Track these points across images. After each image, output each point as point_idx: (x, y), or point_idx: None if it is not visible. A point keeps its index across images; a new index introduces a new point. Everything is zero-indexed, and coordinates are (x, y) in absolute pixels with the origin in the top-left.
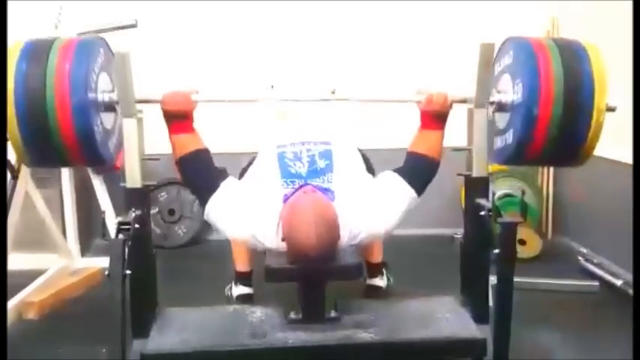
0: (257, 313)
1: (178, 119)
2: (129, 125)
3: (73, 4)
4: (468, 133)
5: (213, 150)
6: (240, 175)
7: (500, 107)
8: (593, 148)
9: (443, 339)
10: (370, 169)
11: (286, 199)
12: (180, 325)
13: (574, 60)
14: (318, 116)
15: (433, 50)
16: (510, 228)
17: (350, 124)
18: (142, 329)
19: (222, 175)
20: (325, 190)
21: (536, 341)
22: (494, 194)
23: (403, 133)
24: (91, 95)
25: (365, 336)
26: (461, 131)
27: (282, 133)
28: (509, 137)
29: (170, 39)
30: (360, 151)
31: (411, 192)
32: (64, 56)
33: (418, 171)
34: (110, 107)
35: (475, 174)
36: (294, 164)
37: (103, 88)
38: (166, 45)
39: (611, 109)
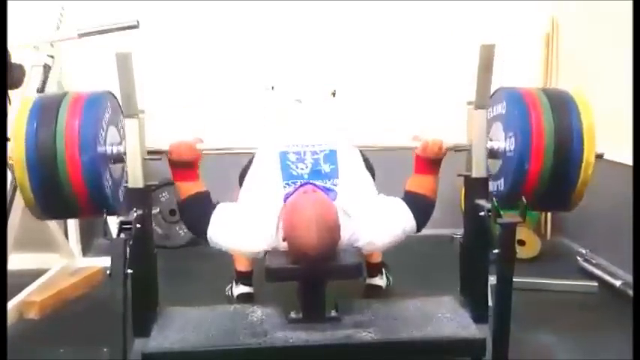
0: (257, 312)
1: (184, 168)
2: (130, 125)
3: (74, 4)
4: (468, 133)
5: (213, 150)
6: (240, 175)
7: (493, 154)
8: (581, 197)
9: (442, 339)
10: (369, 168)
11: (287, 198)
12: (181, 324)
13: (565, 115)
14: (319, 116)
15: (433, 50)
16: (510, 228)
17: (350, 123)
18: (143, 328)
19: (215, 208)
20: (327, 190)
21: (535, 341)
22: (494, 194)
23: (403, 132)
24: (100, 149)
25: (365, 335)
26: (460, 131)
27: (283, 133)
28: (502, 185)
29: (171, 39)
30: (360, 151)
31: (412, 221)
32: (74, 112)
33: (417, 207)
34: (118, 159)
35: (475, 174)
36: (297, 166)
37: (112, 141)
38: (167, 45)
39: (599, 157)
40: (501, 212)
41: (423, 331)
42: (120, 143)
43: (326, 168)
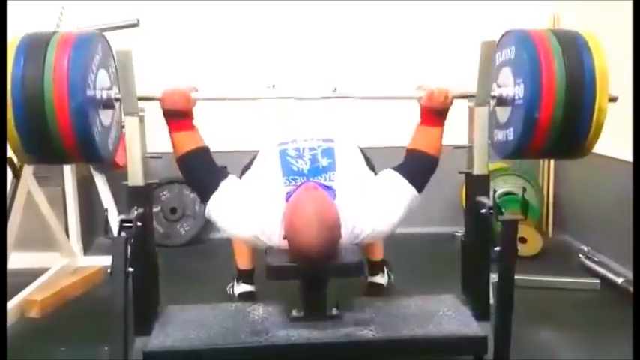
0: (259, 310)
1: (178, 117)
2: (131, 123)
3: (74, 3)
4: (469, 130)
5: (214, 148)
6: (242, 174)
7: (501, 101)
8: (594, 145)
9: (444, 336)
10: (371, 168)
11: (288, 197)
12: (182, 322)
13: (576, 58)
14: (319, 115)
15: (434, 48)
16: (511, 226)
17: (351, 122)
18: (144, 327)
19: (222, 173)
20: (327, 189)
21: (537, 339)
22: (494, 192)
23: (403, 131)
24: (89, 93)
25: (366, 333)
26: (461, 129)
27: (283, 132)
28: (510, 135)
29: (171, 38)
30: (360, 149)
31: (412, 190)
32: (63, 53)
33: (418, 169)
34: (108, 104)
35: (476, 172)
36: (296, 162)
37: (102, 85)
38: (168, 44)
39: (612, 100)
40: (502, 210)
41: (425, 328)
42: (110, 88)
43: (323, 162)
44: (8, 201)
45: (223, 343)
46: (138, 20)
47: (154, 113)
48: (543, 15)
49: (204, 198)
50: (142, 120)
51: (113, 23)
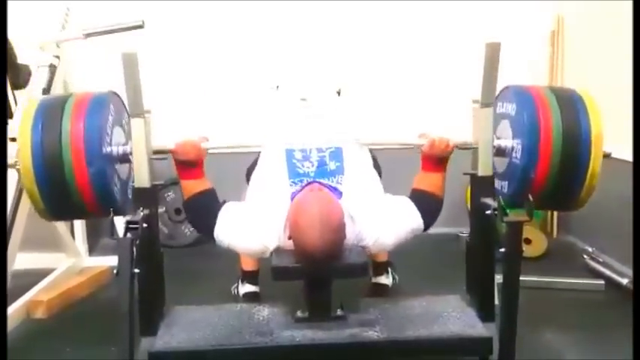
0: (264, 311)
1: (189, 167)
2: (137, 125)
3: (80, 5)
4: (474, 132)
5: (217, 149)
6: (247, 174)
7: (499, 152)
8: (585, 202)
9: (449, 337)
10: (377, 168)
11: (294, 197)
12: (188, 323)
13: (573, 121)
14: (324, 115)
15: (438, 49)
16: (516, 227)
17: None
18: (149, 328)
19: (221, 206)
20: (333, 189)
21: (542, 340)
22: (500, 192)
23: (407, 131)
24: (106, 155)
25: (371, 334)
26: (467, 130)
27: (289, 133)
28: (505, 187)
29: (176, 39)
30: (369, 150)
31: (419, 220)
32: (77, 120)
33: (424, 205)
34: (125, 159)
35: (481, 173)
36: (303, 165)
37: (117, 142)
38: (172, 45)
39: (606, 156)
40: (507, 211)
41: (430, 329)
42: (125, 143)
43: (332, 165)
44: (14, 202)
45: (228, 343)
46: (143, 22)
47: (160, 114)
48: (547, 16)
49: (209, 231)
50: (147, 121)
51: (118, 25)
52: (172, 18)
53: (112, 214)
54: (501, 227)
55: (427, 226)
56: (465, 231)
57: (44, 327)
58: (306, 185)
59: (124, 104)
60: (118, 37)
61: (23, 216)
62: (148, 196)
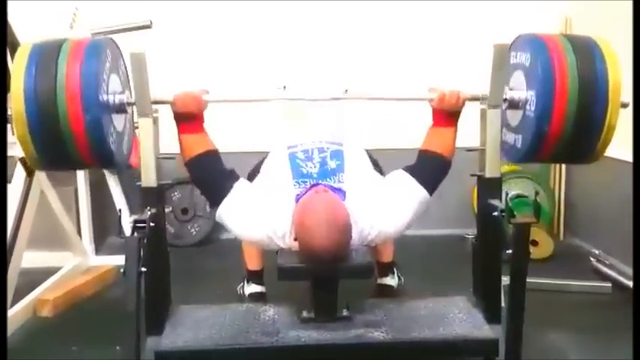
0: (269, 311)
1: (188, 120)
2: (145, 125)
3: (88, 4)
4: (481, 133)
5: (222, 149)
6: (250, 176)
7: (513, 104)
8: (602, 154)
9: (455, 339)
10: (379, 171)
11: (298, 198)
12: (194, 323)
13: (590, 71)
14: (330, 116)
15: (445, 49)
16: (523, 229)
17: (362, 123)
18: (155, 327)
19: (232, 176)
20: (337, 190)
21: (548, 342)
22: (507, 195)
23: (415, 133)
24: (102, 102)
25: (377, 335)
26: (473, 131)
27: (293, 133)
28: (519, 142)
29: (183, 39)
30: (368, 153)
31: (422, 191)
32: (74, 64)
33: (430, 170)
34: (121, 109)
35: (488, 174)
36: (306, 164)
37: (114, 90)
38: (179, 45)
39: (624, 106)
40: (514, 213)
41: (435, 331)
42: (122, 92)
43: (332, 164)
44: (21, 200)
45: (234, 343)
46: (151, 22)
47: (167, 114)
48: (555, 17)
49: (215, 202)
50: (155, 121)
51: (126, 25)
52: (180, 18)
53: (119, 214)
54: (508, 229)
55: (433, 190)
56: (471, 232)
57: (50, 325)
58: (311, 187)
59: (120, 52)
60: (126, 37)
61: (30, 215)
62: (154, 196)
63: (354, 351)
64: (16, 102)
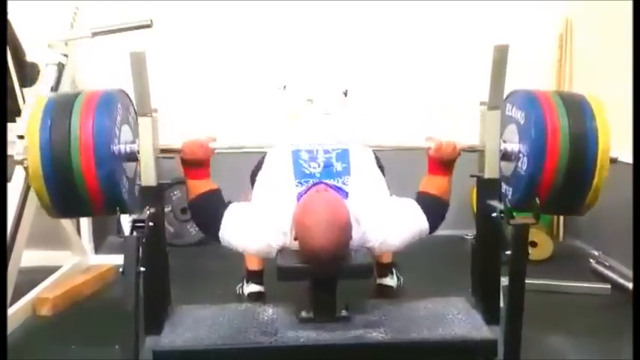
0: (268, 311)
1: (195, 166)
2: (144, 124)
3: (88, 4)
4: (481, 134)
5: (224, 149)
6: (252, 175)
7: (506, 157)
8: (591, 207)
9: (453, 340)
10: (380, 168)
11: (299, 197)
12: (193, 322)
13: (581, 134)
14: (331, 116)
15: (445, 50)
16: (522, 230)
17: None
18: (154, 326)
19: (227, 205)
20: (338, 190)
21: (547, 343)
22: (508, 194)
23: (413, 132)
24: (115, 155)
25: (376, 335)
26: (474, 132)
27: (295, 133)
28: (510, 193)
29: (184, 39)
30: (372, 150)
31: (425, 223)
32: (87, 116)
33: (430, 208)
34: (132, 158)
35: (487, 175)
36: (309, 165)
37: (125, 140)
38: (180, 45)
39: (612, 162)
40: (514, 213)
41: (434, 331)
42: (133, 141)
43: (338, 166)
44: (20, 199)
45: (233, 343)
46: (151, 21)
47: (166, 115)
48: (556, 19)
49: (214, 232)
50: (154, 120)
51: (126, 24)
52: (180, 17)
53: (118, 213)
54: (507, 230)
55: (433, 228)
56: (470, 233)
57: (49, 324)
58: (312, 186)
59: (131, 102)
60: (126, 36)
61: (30, 213)
62: (154, 195)
63: (352, 351)
64: (32, 155)
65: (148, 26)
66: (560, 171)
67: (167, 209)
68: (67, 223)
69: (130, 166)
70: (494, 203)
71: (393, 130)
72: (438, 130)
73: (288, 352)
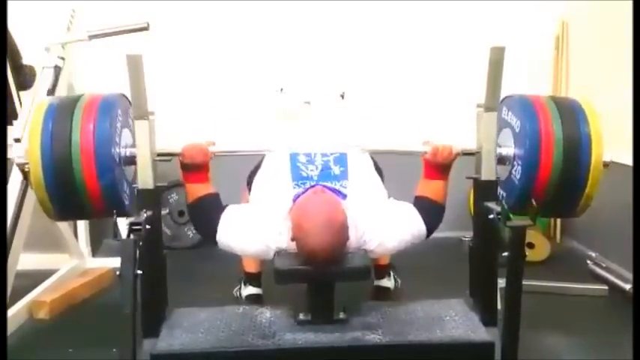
0: (266, 313)
1: (194, 170)
2: (141, 127)
3: (85, 6)
4: (477, 136)
5: (225, 152)
6: (249, 177)
7: (501, 160)
8: (585, 211)
9: (451, 341)
10: (378, 171)
11: (296, 198)
12: (190, 325)
13: (574, 138)
14: (328, 119)
15: (442, 52)
16: (519, 231)
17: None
18: (152, 329)
19: (224, 208)
20: (336, 192)
21: (545, 345)
22: (503, 197)
23: (411, 135)
24: (114, 155)
25: (373, 338)
26: (470, 134)
27: (292, 135)
28: (503, 198)
29: (180, 41)
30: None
31: (422, 226)
32: (88, 120)
33: (428, 212)
34: (132, 161)
35: (484, 177)
36: (307, 167)
37: (125, 144)
38: (177, 47)
39: (605, 166)
40: (511, 215)
41: (432, 333)
42: (133, 145)
43: (336, 170)
44: (18, 202)
45: (230, 345)
46: (148, 24)
47: (165, 116)
48: (552, 20)
49: (211, 235)
50: (151, 123)
51: (123, 27)
52: (177, 20)
53: (115, 216)
54: (504, 231)
55: (430, 232)
56: (467, 235)
57: (47, 328)
58: (309, 188)
59: (131, 105)
60: (123, 39)
61: (27, 216)
62: (151, 198)
63: (350, 353)
64: (34, 159)
65: (145, 29)
66: (553, 178)
67: (164, 212)
68: (64, 226)
69: (130, 170)
70: (492, 205)
71: (389, 132)
72: (434, 133)
73: (287, 354)
